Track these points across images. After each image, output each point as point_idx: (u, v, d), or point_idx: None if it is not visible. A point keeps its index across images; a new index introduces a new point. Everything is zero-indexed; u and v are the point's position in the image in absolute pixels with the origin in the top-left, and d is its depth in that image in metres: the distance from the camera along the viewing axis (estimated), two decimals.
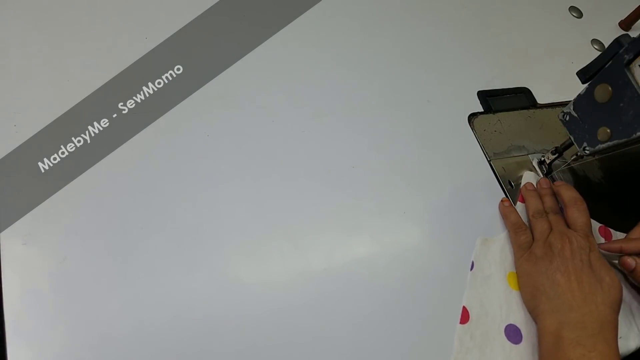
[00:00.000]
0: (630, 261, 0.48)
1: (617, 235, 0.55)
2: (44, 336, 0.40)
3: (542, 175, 0.58)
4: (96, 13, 0.57)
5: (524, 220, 0.53)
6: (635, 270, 0.48)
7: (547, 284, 0.46)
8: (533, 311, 0.46)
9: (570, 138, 0.52)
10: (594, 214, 0.53)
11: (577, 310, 0.43)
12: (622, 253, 0.49)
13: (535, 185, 0.56)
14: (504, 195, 0.56)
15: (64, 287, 0.42)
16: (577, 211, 0.50)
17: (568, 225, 0.51)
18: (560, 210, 0.53)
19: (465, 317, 0.47)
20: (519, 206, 0.54)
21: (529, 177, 0.57)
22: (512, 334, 0.47)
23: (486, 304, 0.48)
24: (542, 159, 0.59)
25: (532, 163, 0.59)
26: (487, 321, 0.47)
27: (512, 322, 0.47)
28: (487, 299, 0.48)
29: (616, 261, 0.50)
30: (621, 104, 0.45)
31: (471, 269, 0.49)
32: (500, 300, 0.48)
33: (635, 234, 0.52)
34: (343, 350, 0.43)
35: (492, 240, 0.52)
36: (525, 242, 0.50)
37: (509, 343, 0.46)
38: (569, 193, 0.52)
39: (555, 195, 0.54)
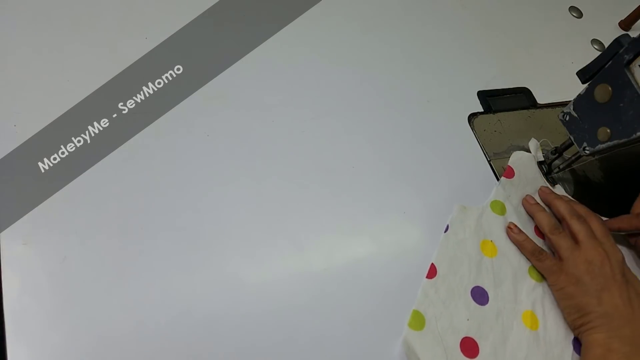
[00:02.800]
0: None
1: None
2: (44, 336, 0.40)
3: (534, 156, 0.58)
4: (96, 13, 0.57)
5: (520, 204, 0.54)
6: None
7: (594, 302, 0.45)
8: (580, 328, 0.46)
9: (570, 138, 0.52)
10: None
11: (628, 326, 0.44)
12: (620, 231, 0.51)
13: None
14: None
15: (64, 287, 0.42)
16: (596, 221, 0.50)
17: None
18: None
19: (432, 272, 0.48)
20: (503, 181, 0.55)
21: (518, 156, 0.57)
22: (479, 295, 0.47)
23: (455, 264, 0.48)
24: (542, 159, 0.59)
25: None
26: (455, 280, 0.48)
27: (479, 285, 0.48)
28: (456, 260, 0.49)
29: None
30: (621, 104, 0.45)
31: (445, 232, 0.50)
32: (470, 264, 0.49)
33: (637, 209, 0.53)
34: (343, 350, 0.43)
35: (470, 208, 0.52)
36: (554, 265, 0.48)
37: (474, 303, 0.47)
38: (583, 207, 0.52)
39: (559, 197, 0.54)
